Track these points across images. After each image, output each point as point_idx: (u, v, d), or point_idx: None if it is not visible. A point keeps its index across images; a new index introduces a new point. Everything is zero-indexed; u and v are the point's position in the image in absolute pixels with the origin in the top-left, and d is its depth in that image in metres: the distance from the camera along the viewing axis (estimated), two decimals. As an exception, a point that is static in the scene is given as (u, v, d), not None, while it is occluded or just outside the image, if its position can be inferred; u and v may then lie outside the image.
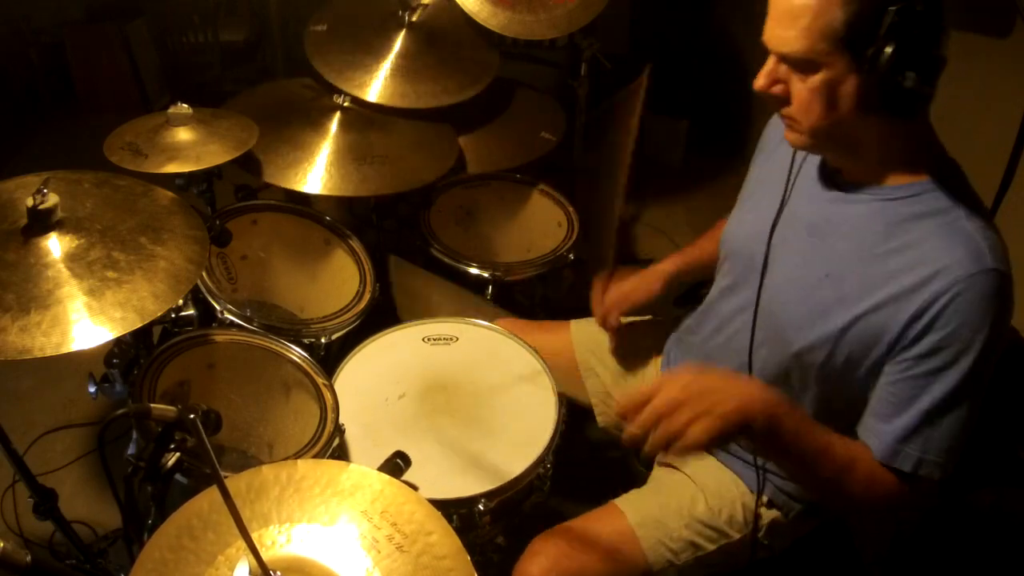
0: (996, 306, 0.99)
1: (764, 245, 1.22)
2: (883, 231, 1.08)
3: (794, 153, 1.21)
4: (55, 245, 1.20)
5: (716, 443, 1.00)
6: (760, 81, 1.06)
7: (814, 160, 1.20)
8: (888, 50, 0.94)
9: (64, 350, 1.08)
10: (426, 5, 2.19)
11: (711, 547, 1.32)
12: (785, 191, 1.21)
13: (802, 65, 1.01)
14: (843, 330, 1.10)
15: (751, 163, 1.39)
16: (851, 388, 1.15)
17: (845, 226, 1.12)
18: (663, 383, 1.03)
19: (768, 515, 1.32)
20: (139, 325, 1.15)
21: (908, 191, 1.07)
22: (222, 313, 1.59)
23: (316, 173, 1.85)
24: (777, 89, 1.06)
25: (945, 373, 1.02)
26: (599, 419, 1.61)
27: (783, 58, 1.03)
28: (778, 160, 1.27)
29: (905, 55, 0.95)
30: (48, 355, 1.07)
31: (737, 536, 1.32)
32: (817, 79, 1.00)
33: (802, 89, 1.02)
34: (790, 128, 1.10)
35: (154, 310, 1.17)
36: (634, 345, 1.59)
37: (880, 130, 1.05)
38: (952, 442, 1.05)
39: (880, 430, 1.07)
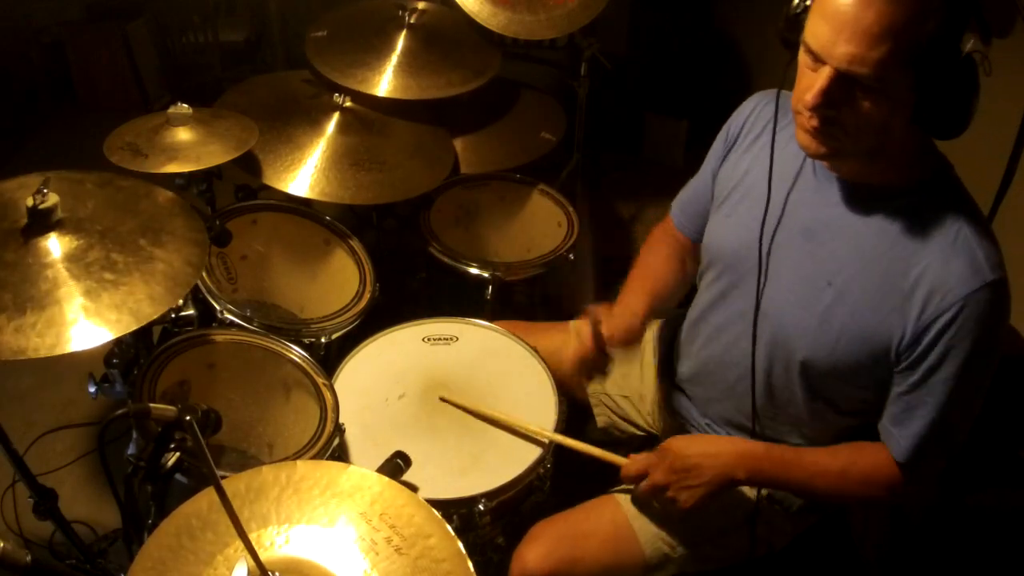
0: (996, 314, 1.03)
1: (756, 251, 1.19)
2: (886, 238, 1.07)
3: (772, 153, 1.17)
4: (54, 245, 1.20)
5: (704, 505, 1.20)
6: (818, 99, 0.97)
7: (798, 159, 1.17)
8: (962, 72, 0.92)
9: (59, 351, 1.08)
10: (423, 11, 2.20)
11: (708, 542, 1.32)
12: (769, 195, 1.18)
13: (871, 84, 0.94)
14: (847, 338, 1.11)
15: (714, 158, 1.34)
16: (858, 392, 1.16)
17: (846, 231, 1.11)
18: (655, 464, 1.21)
19: (767, 511, 1.32)
20: (135, 327, 1.15)
21: (909, 193, 1.07)
22: (222, 313, 1.59)
23: (314, 177, 1.85)
24: (831, 106, 0.98)
25: (954, 378, 1.06)
26: (598, 420, 1.61)
27: (847, 75, 0.95)
28: (756, 160, 1.24)
29: (970, 77, 0.93)
30: (42, 356, 1.07)
31: (735, 531, 1.32)
32: (881, 98, 0.95)
33: (862, 106, 0.97)
34: (822, 137, 1.02)
35: (150, 312, 1.17)
36: (632, 346, 1.59)
37: (904, 138, 1.03)
38: (964, 430, 1.11)
39: (899, 435, 1.13)
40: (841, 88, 0.96)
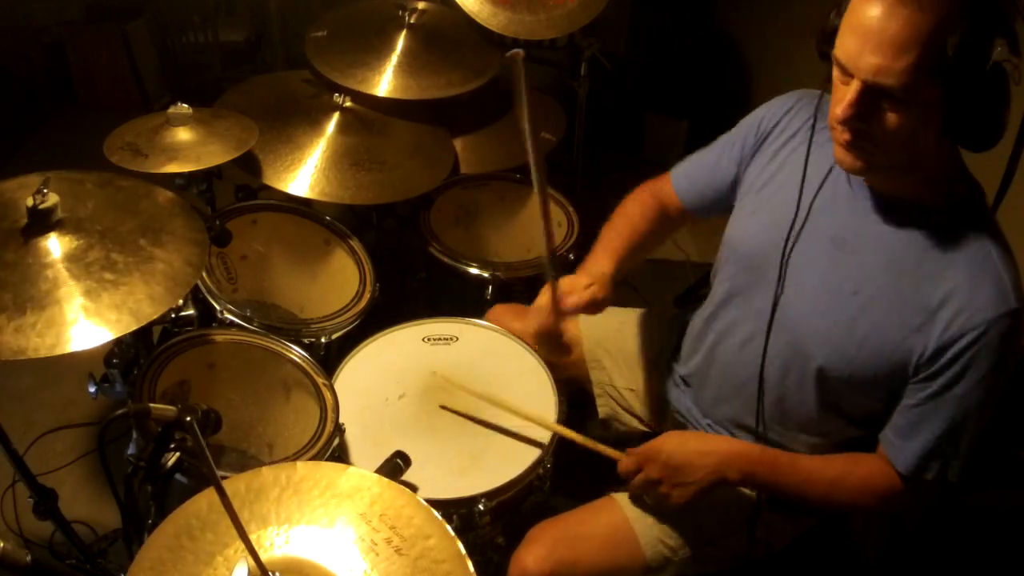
0: (1014, 340, 1.04)
1: (779, 254, 1.19)
2: (916, 253, 1.07)
3: (807, 159, 1.17)
4: (54, 245, 1.20)
5: (696, 501, 1.21)
6: (848, 112, 0.98)
7: (827, 163, 1.16)
8: (991, 83, 0.91)
9: (59, 351, 1.08)
10: (423, 11, 2.20)
11: (710, 544, 1.32)
12: (800, 198, 1.17)
13: (898, 95, 0.94)
14: (868, 348, 1.10)
15: (740, 147, 1.30)
16: (869, 402, 1.16)
17: (876, 242, 1.11)
18: (649, 459, 1.22)
19: (766, 512, 1.32)
20: (134, 327, 1.15)
21: (941, 212, 1.07)
22: (222, 313, 1.59)
23: (314, 177, 1.85)
24: (861, 120, 0.99)
25: (966, 396, 1.06)
26: (600, 410, 1.61)
27: (875, 87, 0.95)
28: (789, 160, 1.23)
29: (999, 87, 0.92)
30: (42, 356, 1.07)
31: (735, 533, 1.32)
32: (910, 109, 0.95)
33: (891, 118, 0.97)
34: (856, 151, 1.02)
35: (150, 312, 1.17)
36: (639, 337, 1.59)
37: (938, 151, 1.03)
38: (970, 447, 1.10)
39: (902, 446, 1.12)
40: (870, 101, 0.97)
